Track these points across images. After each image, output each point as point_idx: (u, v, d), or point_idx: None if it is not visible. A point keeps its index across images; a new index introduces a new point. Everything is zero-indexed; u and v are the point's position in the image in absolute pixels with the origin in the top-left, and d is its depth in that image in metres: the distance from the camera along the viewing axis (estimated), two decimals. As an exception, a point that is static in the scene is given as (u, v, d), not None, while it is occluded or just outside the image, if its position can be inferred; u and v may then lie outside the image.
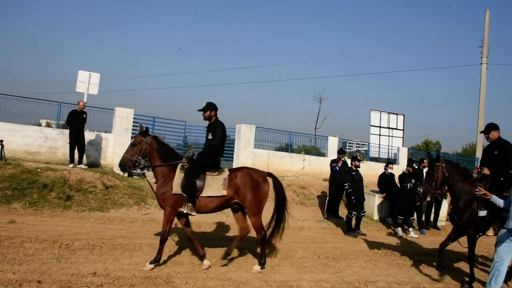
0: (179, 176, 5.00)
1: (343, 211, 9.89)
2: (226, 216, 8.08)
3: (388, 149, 17.34)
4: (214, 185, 5.05)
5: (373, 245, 7.45)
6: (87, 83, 11.48)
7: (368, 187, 11.32)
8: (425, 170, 7.35)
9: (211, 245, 6.15)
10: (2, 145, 9.02)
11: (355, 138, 22.03)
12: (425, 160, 9.70)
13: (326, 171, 12.30)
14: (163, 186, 5.02)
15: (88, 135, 10.74)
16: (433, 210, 10.19)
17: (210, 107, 5.30)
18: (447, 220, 9.69)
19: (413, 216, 9.20)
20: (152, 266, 4.84)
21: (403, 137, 17.99)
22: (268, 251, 6.05)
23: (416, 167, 9.60)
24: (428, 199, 5.71)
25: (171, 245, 5.94)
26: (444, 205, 10.22)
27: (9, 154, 9.57)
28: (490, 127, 5.58)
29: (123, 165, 5.02)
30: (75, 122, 9.76)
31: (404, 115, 18.18)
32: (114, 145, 11.05)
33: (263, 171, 5.53)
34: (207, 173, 5.10)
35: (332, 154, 14.29)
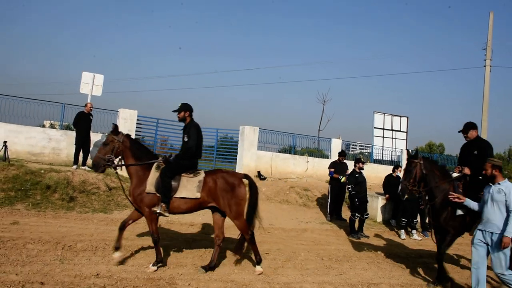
0: (154, 175, 4.89)
1: (346, 213, 9.86)
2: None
3: (392, 151, 17.30)
4: (188, 187, 4.94)
5: (376, 247, 7.42)
6: (91, 85, 11.53)
7: (371, 189, 11.29)
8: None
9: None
10: (6, 146, 9.06)
11: (358, 140, 22.06)
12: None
13: (329, 173, 12.27)
14: (139, 186, 4.91)
15: (93, 137, 10.76)
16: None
17: (185, 108, 5.18)
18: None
19: (416, 218, 9.19)
20: (155, 268, 4.82)
21: (406, 139, 17.95)
22: (268, 253, 6.03)
23: None
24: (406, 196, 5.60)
25: (174, 247, 5.93)
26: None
27: (13, 155, 9.62)
28: (469, 126, 5.52)
29: (96, 165, 4.95)
30: (82, 124, 9.73)
31: (407, 117, 18.14)
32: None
33: (239, 173, 5.46)
34: (182, 174, 5.00)
35: (336, 156, 14.25)
